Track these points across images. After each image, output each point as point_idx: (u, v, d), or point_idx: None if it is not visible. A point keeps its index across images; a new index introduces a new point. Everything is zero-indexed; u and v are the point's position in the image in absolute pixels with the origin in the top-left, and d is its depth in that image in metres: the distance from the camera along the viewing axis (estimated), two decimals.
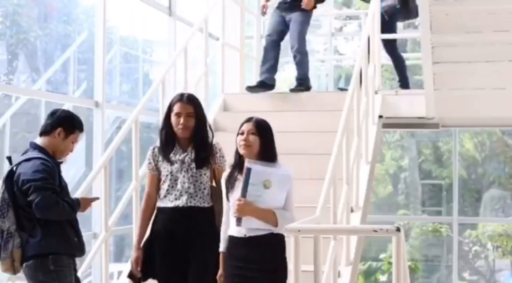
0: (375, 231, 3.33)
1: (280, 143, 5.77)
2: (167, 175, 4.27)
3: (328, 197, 4.57)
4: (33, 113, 6.96)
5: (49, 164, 3.97)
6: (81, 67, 7.58)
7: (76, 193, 4.58)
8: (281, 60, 7.79)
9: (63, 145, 4.11)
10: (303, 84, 7.35)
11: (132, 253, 4.38)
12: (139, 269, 4.27)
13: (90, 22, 7.20)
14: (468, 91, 6.75)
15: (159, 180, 4.31)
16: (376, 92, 6.88)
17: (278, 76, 7.68)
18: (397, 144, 16.80)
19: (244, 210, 3.83)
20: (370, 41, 6.75)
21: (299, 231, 3.49)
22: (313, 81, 7.81)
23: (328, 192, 4.56)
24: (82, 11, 7.90)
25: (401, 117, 7.29)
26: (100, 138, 6.46)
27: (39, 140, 4.10)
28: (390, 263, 13.46)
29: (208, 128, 4.36)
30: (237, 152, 4.04)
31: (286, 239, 3.88)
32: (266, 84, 7.23)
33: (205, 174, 4.26)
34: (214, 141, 4.35)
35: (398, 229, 3.24)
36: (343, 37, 16.64)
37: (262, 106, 7.10)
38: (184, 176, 4.23)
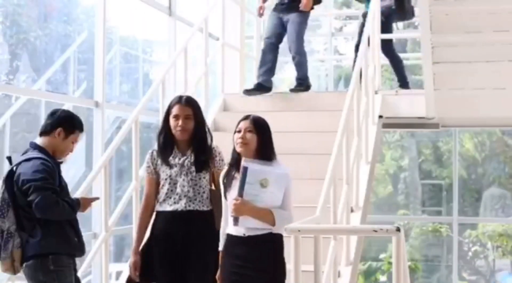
0: (375, 231, 3.32)
1: (280, 143, 5.76)
2: (166, 179, 4.23)
3: (328, 197, 4.57)
4: (33, 113, 6.96)
5: (49, 164, 3.97)
6: (81, 67, 7.58)
7: (76, 193, 4.57)
8: (281, 60, 7.79)
9: (63, 145, 4.11)
10: (302, 84, 7.37)
11: (130, 257, 4.34)
12: (137, 273, 4.23)
13: (90, 22, 7.20)
14: (468, 91, 6.75)
15: (158, 183, 4.27)
16: (376, 92, 6.88)
17: (278, 76, 7.69)
18: (397, 144, 16.80)
19: (241, 210, 3.81)
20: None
21: (299, 231, 3.49)
22: (313, 81, 7.81)
23: (328, 192, 4.56)
24: (82, 11, 7.90)
25: (401, 117, 7.30)
26: (100, 138, 6.46)
27: (39, 140, 4.10)
28: (390, 263, 13.46)
29: (207, 130, 4.32)
30: (234, 150, 4.01)
31: (285, 238, 3.87)
32: (263, 87, 7.23)
33: (204, 177, 4.23)
34: (214, 144, 4.32)
35: (398, 229, 3.24)
36: (343, 37, 16.65)
37: (262, 106, 7.10)
38: (183, 180, 4.19)
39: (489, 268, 16.17)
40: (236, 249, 3.88)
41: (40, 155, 3.99)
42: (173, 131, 4.24)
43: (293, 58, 7.36)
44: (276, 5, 7.46)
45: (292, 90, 7.44)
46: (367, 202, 5.82)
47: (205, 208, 4.21)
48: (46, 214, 3.90)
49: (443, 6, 5.57)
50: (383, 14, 7.43)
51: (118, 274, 4.46)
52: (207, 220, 4.19)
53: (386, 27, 7.65)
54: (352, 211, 5.42)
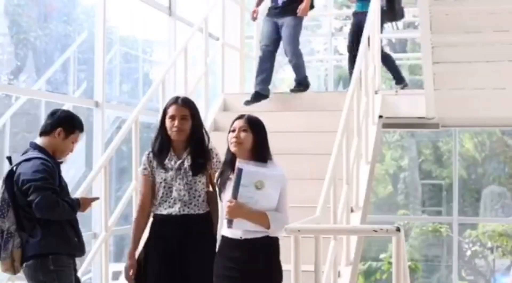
0: (375, 231, 3.32)
1: (280, 143, 5.76)
2: (161, 182, 4.18)
3: (328, 197, 4.56)
4: (33, 113, 6.95)
5: (49, 164, 3.97)
6: (81, 67, 7.58)
7: (76, 193, 4.57)
8: (281, 60, 7.79)
9: (63, 145, 4.11)
10: (302, 84, 7.39)
11: (126, 260, 4.28)
12: (132, 277, 4.19)
13: (90, 22, 7.20)
14: (468, 91, 6.75)
15: (154, 185, 4.22)
16: (376, 92, 6.88)
17: (278, 76, 7.69)
18: (397, 144, 16.81)
19: (235, 212, 3.73)
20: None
21: (299, 231, 3.48)
22: (313, 81, 7.82)
23: (328, 192, 4.56)
24: (82, 11, 7.90)
25: (401, 117, 7.30)
26: (100, 138, 6.46)
27: (39, 140, 4.10)
28: (390, 263, 13.46)
29: (204, 132, 4.26)
30: (228, 150, 3.95)
31: (285, 239, 3.84)
32: (261, 95, 7.21)
33: (200, 180, 4.17)
34: (211, 145, 4.26)
35: (398, 229, 3.24)
36: (343, 37, 16.63)
37: (262, 106, 7.11)
38: (179, 184, 4.14)
39: (489, 268, 16.17)
40: (232, 251, 3.82)
41: (40, 155, 3.99)
42: (169, 132, 4.18)
43: (290, 61, 7.38)
44: (270, 9, 7.41)
45: (292, 91, 7.46)
46: (367, 202, 5.82)
47: (201, 212, 4.16)
48: (46, 214, 3.90)
49: (443, 6, 5.57)
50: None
51: (118, 274, 4.44)
52: (203, 223, 4.14)
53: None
54: (352, 211, 5.42)
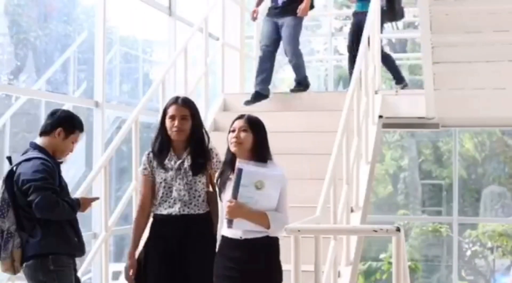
0: (375, 231, 3.32)
1: (280, 143, 5.76)
2: (161, 182, 4.18)
3: (328, 197, 4.56)
4: (33, 113, 6.96)
5: (49, 164, 3.97)
6: (81, 67, 7.58)
7: (76, 193, 4.57)
8: (281, 60, 7.79)
9: (63, 145, 4.11)
10: (302, 84, 7.40)
11: (126, 260, 4.27)
12: (132, 277, 4.18)
13: (90, 22, 7.20)
14: (468, 91, 6.75)
15: (154, 185, 4.22)
16: (376, 92, 6.88)
17: (278, 76, 7.69)
18: (397, 144, 16.81)
19: (235, 212, 3.72)
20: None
21: (299, 231, 3.48)
22: (313, 81, 7.82)
23: (328, 192, 4.56)
24: (82, 11, 7.90)
25: (401, 117, 7.30)
26: (100, 138, 6.46)
27: (39, 140, 4.10)
28: (390, 263, 13.46)
29: (204, 132, 4.26)
30: (228, 150, 3.94)
31: (285, 239, 3.84)
32: (261, 95, 7.21)
33: (200, 180, 4.16)
34: (211, 145, 4.25)
35: (398, 229, 3.24)
36: (343, 37, 16.63)
37: (262, 106, 7.11)
38: (179, 184, 4.13)
39: (489, 268, 16.17)
40: (232, 252, 3.81)
41: (40, 155, 3.99)
42: (169, 132, 4.17)
43: (290, 61, 7.38)
44: (270, 9, 7.41)
45: (292, 91, 7.46)
46: (367, 202, 5.82)
47: (201, 212, 4.15)
48: (46, 214, 3.90)
49: (443, 6, 5.57)
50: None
51: (118, 274, 4.44)
52: (203, 223, 4.14)
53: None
54: (352, 211, 5.42)
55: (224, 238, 3.88)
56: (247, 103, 7.08)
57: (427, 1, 5.43)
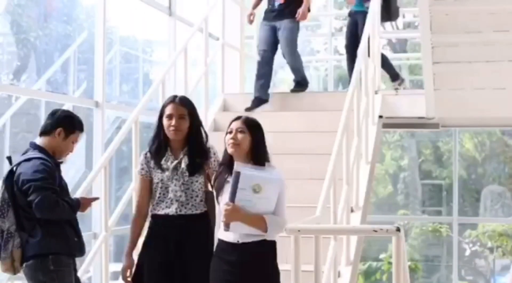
0: (375, 231, 3.32)
1: (280, 143, 5.77)
2: (158, 183, 4.13)
3: (328, 197, 4.56)
4: (33, 113, 6.96)
5: (49, 164, 3.97)
6: (81, 67, 7.58)
7: (76, 193, 4.57)
8: (281, 61, 7.78)
9: (63, 145, 4.11)
10: (301, 83, 7.39)
11: (123, 260, 4.24)
12: (129, 278, 4.16)
13: (90, 22, 7.20)
14: (468, 91, 6.75)
15: (151, 185, 4.17)
16: (376, 92, 6.88)
17: (278, 76, 7.68)
18: (397, 144, 16.81)
19: (232, 216, 3.67)
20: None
21: (299, 231, 3.48)
22: (313, 81, 7.83)
23: (328, 192, 4.56)
24: (82, 11, 7.90)
25: (401, 117, 7.30)
26: (100, 138, 6.46)
27: (39, 140, 4.10)
28: (390, 263, 13.46)
29: (203, 131, 4.21)
30: (226, 152, 3.89)
31: (285, 239, 3.83)
32: (261, 100, 7.19)
33: (197, 181, 4.11)
34: (209, 144, 4.21)
35: (398, 229, 3.24)
36: (343, 37, 16.63)
37: (262, 106, 7.12)
38: (175, 185, 4.09)
39: (489, 268, 16.17)
40: (229, 255, 3.77)
41: (40, 155, 3.99)
42: (166, 131, 4.12)
43: (288, 63, 7.37)
44: (266, 12, 7.37)
45: (292, 91, 7.47)
46: (367, 202, 5.82)
47: (198, 212, 4.11)
48: (46, 214, 3.90)
49: (443, 6, 5.57)
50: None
51: (118, 274, 4.44)
52: (201, 223, 4.10)
53: None
54: (352, 211, 5.42)
55: (220, 241, 3.84)
56: (248, 109, 7.05)
57: (427, 1, 5.43)
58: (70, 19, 7.65)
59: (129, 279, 4.17)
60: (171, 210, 4.10)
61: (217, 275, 3.82)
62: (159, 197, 4.14)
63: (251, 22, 7.65)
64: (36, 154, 4.00)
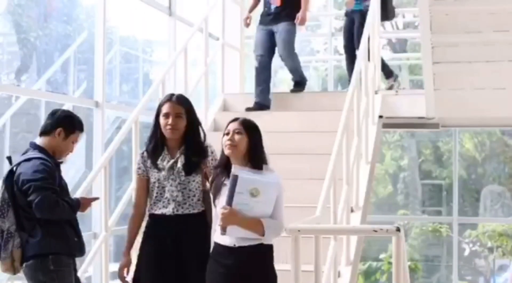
0: (375, 231, 3.32)
1: (280, 143, 5.76)
2: (154, 182, 4.11)
3: (328, 197, 4.56)
4: (33, 113, 6.96)
5: (49, 164, 3.97)
6: (81, 67, 7.58)
7: (76, 193, 4.57)
8: (281, 62, 7.76)
9: (63, 145, 4.11)
10: (300, 82, 7.38)
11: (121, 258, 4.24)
12: (126, 276, 4.15)
13: (90, 22, 7.21)
14: (468, 91, 6.75)
15: (149, 185, 4.15)
16: (376, 92, 6.88)
17: (278, 76, 7.67)
18: (397, 144, 16.81)
19: (229, 220, 3.64)
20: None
21: (299, 231, 3.48)
22: (313, 81, 7.82)
23: (328, 192, 4.56)
24: (82, 11, 7.90)
25: (401, 117, 7.30)
26: (100, 138, 6.46)
27: (39, 140, 4.10)
28: (390, 263, 13.46)
29: (200, 130, 4.16)
30: (223, 153, 3.83)
31: (284, 239, 3.81)
32: (263, 105, 7.16)
33: (194, 180, 4.08)
34: (207, 143, 4.17)
35: (398, 229, 3.24)
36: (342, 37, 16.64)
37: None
38: (171, 185, 4.06)
39: (489, 268, 16.17)
40: (225, 259, 3.74)
41: (40, 155, 3.99)
42: (163, 130, 4.08)
43: (286, 65, 7.36)
44: (262, 16, 7.33)
45: (292, 91, 7.46)
46: (367, 202, 5.81)
47: (195, 211, 4.08)
48: (46, 214, 3.90)
49: (443, 6, 5.57)
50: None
51: (116, 274, 4.45)
52: (198, 223, 4.07)
53: None
54: (352, 211, 5.42)
55: (217, 245, 3.81)
56: (249, 109, 7.03)
57: (427, 1, 5.43)
58: (70, 19, 7.65)
59: (126, 278, 4.15)
60: (168, 210, 4.07)
61: (213, 278, 3.80)
62: (156, 197, 4.12)
63: (247, 25, 7.61)
64: (36, 154, 4.00)
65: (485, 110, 7.20)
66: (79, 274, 4.31)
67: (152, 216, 4.16)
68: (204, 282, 3.86)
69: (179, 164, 4.08)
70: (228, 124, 3.88)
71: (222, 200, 3.73)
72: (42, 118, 4.91)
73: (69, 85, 7.48)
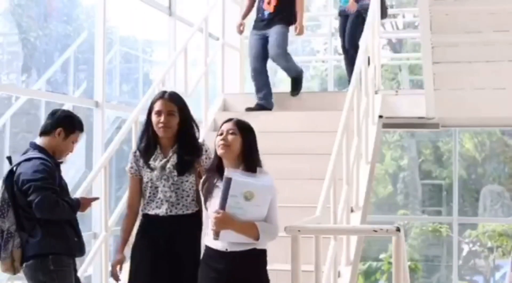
0: (375, 231, 3.32)
1: (280, 143, 5.77)
2: (147, 182, 4.03)
3: (328, 197, 4.56)
4: (33, 113, 6.96)
5: (49, 164, 3.97)
6: (81, 67, 7.59)
7: (76, 193, 4.57)
8: None
9: (63, 145, 4.11)
10: (297, 80, 7.29)
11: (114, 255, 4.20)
12: (119, 273, 4.11)
13: (90, 22, 7.21)
14: (468, 91, 6.75)
15: (141, 184, 4.08)
16: (376, 92, 6.89)
17: (278, 76, 7.65)
18: (397, 144, 16.81)
19: (223, 224, 3.52)
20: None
21: (299, 231, 3.48)
22: (313, 81, 7.80)
23: (328, 192, 4.56)
24: (82, 11, 7.91)
25: (401, 117, 7.30)
26: (100, 138, 6.46)
27: (39, 140, 4.10)
28: (390, 263, 13.46)
29: (194, 127, 4.07)
30: (216, 155, 3.72)
31: (284, 239, 3.80)
32: (265, 107, 7.10)
33: (187, 180, 3.99)
34: (201, 141, 4.11)
35: (398, 229, 3.24)
36: None
37: None
38: (164, 185, 3.98)
39: (489, 268, 16.17)
40: (217, 263, 3.65)
41: (40, 155, 3.99)
42: (155, 128, 3.98)
43: (279, 65, 7.27)
44: (256, 22, 7.30)
45: (292, 94, 7.36)
46: (367, 202, 5.81)
47: (189, 212, 4.00)
48: (46, 214, 3.90)
49: (443, 6, 5.57)
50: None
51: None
52: (192, 223, 3.98)
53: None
54: (352, 211, 5.42)
55: (208, 248, 3.72)
56: (249, 109, 7.02)
57: (427, 1, 5.43)
58: (70, 19, 7.65)
59: (119, 275, 4.11)
60: (161, 210, 4.00)
61: (203, 282, 3.73)
62: (149, 197, 4.04)
63: (241, 32, 7.58)
64: (36, 154, 4.00)
65: (485, 110, 7.20)
66: (79, 274, 4.31)
67: (145, 216, 4.09)
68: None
69: (170, 164, 3.99)
70: (222, 125, 3.81)
71: (214, 202, 3.64)
72: (42, 118, 4.91)
73: (69, 85, 7.49)
